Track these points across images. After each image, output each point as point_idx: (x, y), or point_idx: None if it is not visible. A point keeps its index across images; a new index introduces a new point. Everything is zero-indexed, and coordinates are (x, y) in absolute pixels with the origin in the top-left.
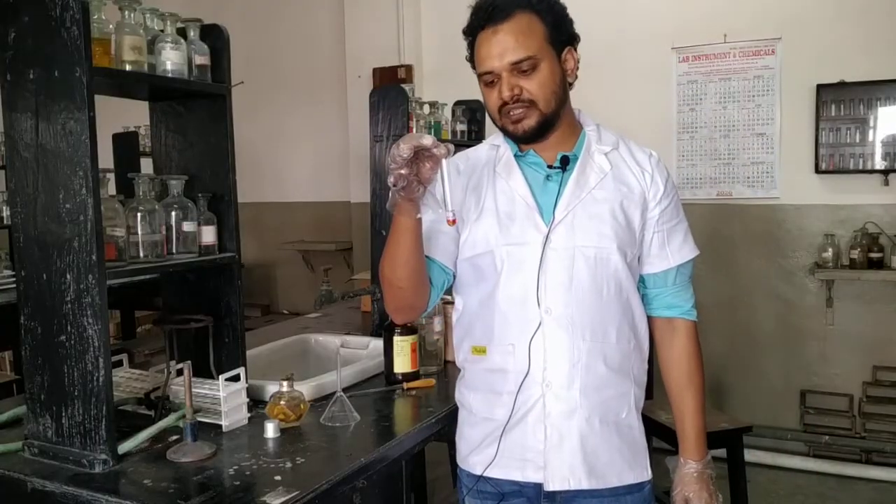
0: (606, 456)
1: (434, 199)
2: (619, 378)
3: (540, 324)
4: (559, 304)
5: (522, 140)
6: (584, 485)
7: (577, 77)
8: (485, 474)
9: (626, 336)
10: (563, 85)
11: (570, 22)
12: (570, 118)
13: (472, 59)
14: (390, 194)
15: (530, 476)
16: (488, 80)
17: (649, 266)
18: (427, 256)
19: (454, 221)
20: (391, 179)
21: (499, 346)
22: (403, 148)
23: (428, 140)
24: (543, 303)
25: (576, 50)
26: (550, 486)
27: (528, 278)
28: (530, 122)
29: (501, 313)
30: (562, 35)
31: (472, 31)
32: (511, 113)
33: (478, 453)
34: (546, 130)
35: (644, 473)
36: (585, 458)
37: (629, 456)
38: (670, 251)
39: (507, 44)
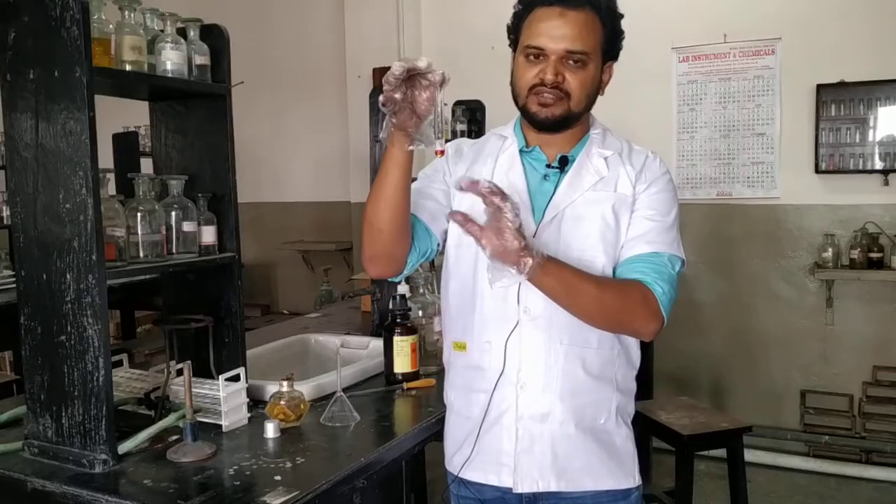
0: (582, 460)
1: (430, 134)
2: (598, 384)
3: (517, 323)
4: (538, 304)
5: (540, 125)
6: (553, 486)
7: (602, 93)
8: (466, 476)
9: (608, 342)
10: (596, 93)
11: (622, 40)
12: (584, 122)
13: (515, 30)
14: (384, 123)
15: (505, 480)
16: (533, 54)
17: (623, 252)
18: (413, 215)
19: (442, 153)
20: (381, 98)
21: (477, 343)
22: (397, 66)
23: (423, 62)
24: (523, 302)
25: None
26: (519, 489)
27: None
28: (556, 111)
29: (482, 309)
30: (612, 48)
31: (532, 3)
32: (543, 95)
33: (460, 454)
34: (565, 126)
35: (629, 480)
36: (555, 461)
37: (609, 462)
38: (643, 237)
39: (569, 30)
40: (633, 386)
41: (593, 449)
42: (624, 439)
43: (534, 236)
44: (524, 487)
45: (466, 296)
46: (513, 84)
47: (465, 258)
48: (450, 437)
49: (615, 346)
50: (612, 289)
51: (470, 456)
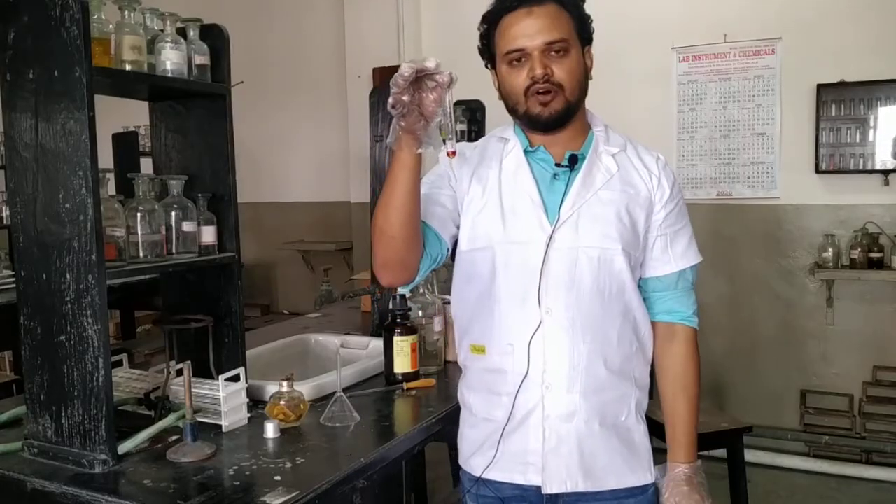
0: (605, 458)
1: (437, 136)
2: (619, 380)
3: (540, 324)
4: (560, 304)
5: (545, 125)
6: (581, 487)
7: (591, 77)
8: (488, 476)
9: (627, 338)
10: (586, 79)
11: (591, 23)
12: (582, 116)
13: (487, 46)
14: (391, 127)
15: (532, 479)
16: (515, 58)
17: (652, 269)
18: (423, 221)
19: (454, 154)
20: (390, 101)
21: (497, 346)
22: (405, 67)
23: (431, 63)
24: (544, 303)
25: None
26: (548, 489)
27: (529, 277)
28: (557, 105)
29: (500, 312)
30: (584, 33)
31: (498, 15)
32: (539, 94)
33: (480, 455)
34: (567, 119)
35: (646, 476)
36: (582, 461)
37: (630, 459)
38: (674, 255)
39: (542, 24)
40: (648, 381)
41: (616, 447)
42: (642, 435)
43: (550, 237)
44: (553, 488)
45: (484, 299)
46: (504, 96)
47: (481, 261)
48: (467, 439)
49: (633, 342)
50: (693, 384)
51: (494, 457)
